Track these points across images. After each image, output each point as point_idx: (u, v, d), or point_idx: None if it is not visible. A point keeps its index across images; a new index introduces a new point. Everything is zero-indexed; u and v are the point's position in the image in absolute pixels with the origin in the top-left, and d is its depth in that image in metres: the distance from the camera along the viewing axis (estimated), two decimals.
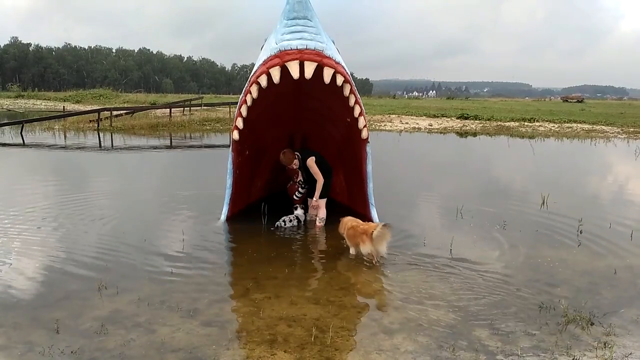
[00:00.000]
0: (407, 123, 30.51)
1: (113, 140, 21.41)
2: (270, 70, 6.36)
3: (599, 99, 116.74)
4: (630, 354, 3.99)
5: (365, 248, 6.20)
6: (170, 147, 20.31)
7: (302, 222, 7.94)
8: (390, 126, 29.04)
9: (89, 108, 35.42)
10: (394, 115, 34.47)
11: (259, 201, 8.88)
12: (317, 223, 7.83)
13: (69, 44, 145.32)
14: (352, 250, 6.52)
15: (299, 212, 7.98)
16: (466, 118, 32.85)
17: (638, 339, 4.27)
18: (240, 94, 7.29)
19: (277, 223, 7.74)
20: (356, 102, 6.99)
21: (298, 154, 7.92)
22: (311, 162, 7.74)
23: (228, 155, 7.77)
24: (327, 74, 6.41)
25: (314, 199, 7.83)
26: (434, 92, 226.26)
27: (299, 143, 9.15)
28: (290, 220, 7.80)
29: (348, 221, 6.67)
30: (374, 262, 6.16)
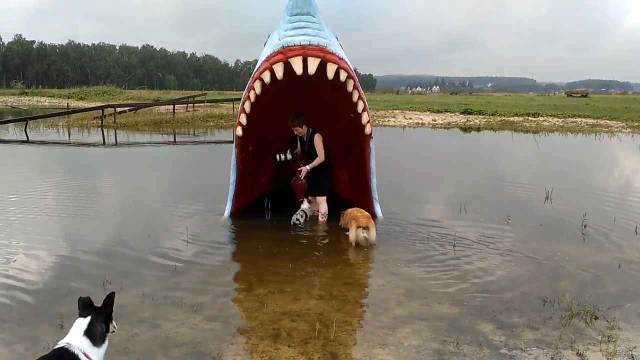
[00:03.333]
0: (410, 118, 30.47)
1: (117, 137, 21.45)
2: (274, 67, 6.35)
3: (603, 94, 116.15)
4: (635, 347, 3.98)
5: (351, 234, 6.60)
6: (174, 143, 20.35)
7: (309, 215, 7.92)
8: (394, 122, 29.02)
9: (92, 105, 35.49)
10: (397, 111, 34.42)
11: (262, 197, 8.88)
12: (320, 218, 7.82)
13: (73, 41, 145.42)
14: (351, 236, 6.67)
15: (304, 205, 7.91)
16: (470, 113, 32.79)
17: None
18: (243, 91, 7.28)
19: (293, 221, 7.72)
20: (360, 97, 6.98)
21: (311, 128, 7.70)
22: (318, 138, 7.59)
23: (231, 151, 7.78)
24: (331, 70, 6.39)
25: (307, 167, 7.58)
26: (438, 87, 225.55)
27: None
28: (302, 216, 7.80)
29: (351, 212, 6.98)
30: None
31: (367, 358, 3.83)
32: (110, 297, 3.08)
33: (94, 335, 2.88)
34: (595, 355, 3.86)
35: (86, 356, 2.79)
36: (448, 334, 4.22)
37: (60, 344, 2.80)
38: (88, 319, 2.91)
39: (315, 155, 7.63)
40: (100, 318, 2.97)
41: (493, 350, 3.96)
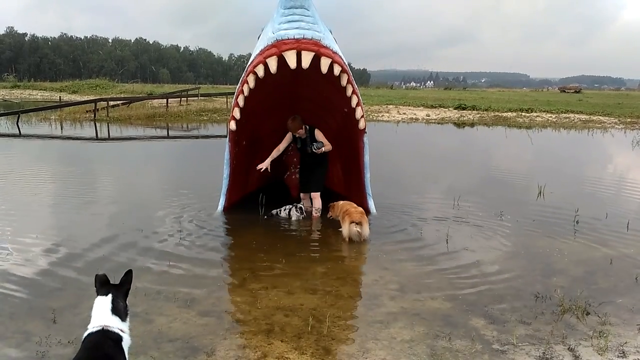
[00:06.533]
0: (404, 113, 30.47)
1: (110, 131, 21.33)
2: (267, 60, 6.32)
3: (596, 90, 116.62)
4: (626, 342, 4.00)
5: (345, 229, 6.59)
6: (168, 137, 20.26)
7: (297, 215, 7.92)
8: (388, 117, 29.00)
9: (85, 98, 35.22)
10: (391, 106, 34.40)
11: (256, 192, 8.85)
12: (314, 214, 7.82)
13: (65, 33, 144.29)
14: (344, 231, 6.66)
15: (293, 211, 7.87)
16: (464, 108, 32.85)
17: (633, 328, 4.29)
18: (237, 84, 7.25)
19: (296, 217, 7.76)
20: (353, 92, 6.97)
21: (306, 126, 7.68)
22: (319, 131, 7.64)
23: (225, 145, 7.75)
24: (325, 64, 6.37)
25: (323, 148, 7.62)
26: (432, 82, 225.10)
27: None
28: (300, 209, 7.82)
29: (343, 205, 6.98)
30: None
31: (360, 353, 3.83)
32: (128, 275, 3.05)
33: (119, 311, 2.88)
34: (587, 351, 3.89)
35: (122, 332, 2.82)
36: (441, 328, 4.23)
37: (95, 327, 2.76)
38: (110, 296, 2.89)
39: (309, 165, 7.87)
40: (120, 295, 2.95)
41: (485, 345, 3.97)
